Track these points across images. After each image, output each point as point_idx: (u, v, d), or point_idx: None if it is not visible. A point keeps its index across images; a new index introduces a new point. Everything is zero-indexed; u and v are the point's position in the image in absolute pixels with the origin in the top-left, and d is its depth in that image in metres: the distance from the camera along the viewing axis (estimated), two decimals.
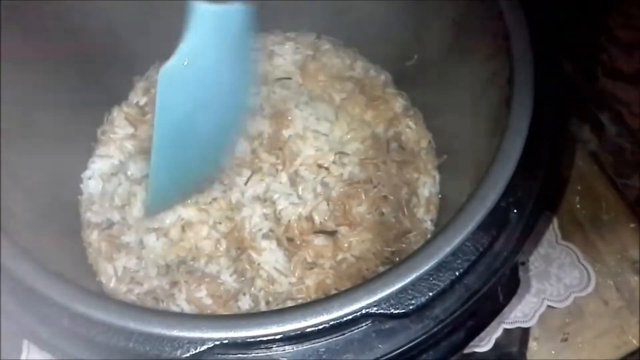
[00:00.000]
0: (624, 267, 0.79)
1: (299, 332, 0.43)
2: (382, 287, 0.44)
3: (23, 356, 0.75)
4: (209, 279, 0.65)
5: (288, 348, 0.44)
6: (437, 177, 0.77)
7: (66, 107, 0.68)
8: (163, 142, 0.57)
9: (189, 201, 0.70)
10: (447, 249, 0.44)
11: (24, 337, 0.48)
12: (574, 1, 0.77)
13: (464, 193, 0.63)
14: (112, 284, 0.68)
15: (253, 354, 0.44)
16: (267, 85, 0.80)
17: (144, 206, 0.69)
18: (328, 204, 0.71)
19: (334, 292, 0.66)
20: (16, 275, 0.47)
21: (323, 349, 0.45)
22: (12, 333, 0.75)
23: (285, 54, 0.84)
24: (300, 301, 0.65)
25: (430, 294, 0.44)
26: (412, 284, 0.44)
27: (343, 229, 0.69)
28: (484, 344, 0.75)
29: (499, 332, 0.76)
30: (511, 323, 0.76)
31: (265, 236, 0.68)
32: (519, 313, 0.76)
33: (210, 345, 0.43)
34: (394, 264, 0.46)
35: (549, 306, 0.77)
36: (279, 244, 0.68)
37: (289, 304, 0.65)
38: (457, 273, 0.45)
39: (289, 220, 0.69)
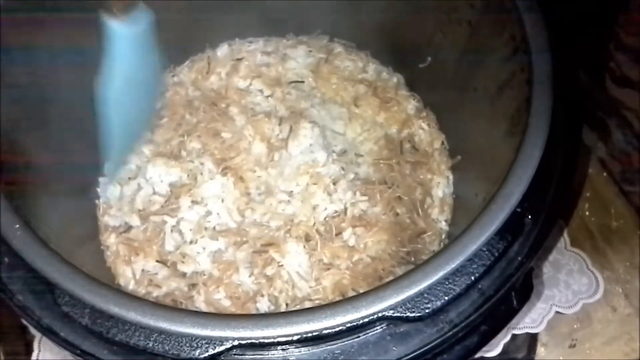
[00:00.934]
0: (632, 274, 0.79)
1: (315, 333, 0.44)
2: (399, 290, 0.44)
3: (34, 356, 0.75)
4: (228, 281, 0.65)
5: (304, 349, 0.45)
6: (451, 177, 0.78)
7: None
8: (110, 113, 0.66)
9: None
10: (466, 254, 0.45)
11: (42, 334, 0.47)
12: (583, 8, 0.77)
13: (478, 193, 0.66)
14: (130, 287, 0.68)
15: (270, 355, 0.44)
16: (280, 87, 0.82)
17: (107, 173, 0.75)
18: (345, 205, 0.72)
19: (351, 292, 0.67)
20: (36, 270, 0.48)
21: (338, 351, 0.45)
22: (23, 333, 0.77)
23: (298, 57, 0.85)
24: (317, 302, 0.66)
25: (446, 298, 0.45)
26: (429, 288, 0.44)
27: (359, 230, 0.70)
28: (493, 349, 0.75)
29: (507, 338, 0.76)
30: (519, 328, 0.76)
31: (291, 237, 0.69)
32: (527, 319, 0.77)
33: (229, 346, 0.43)
34: (412, 268, 0.46)
35: (557, 312, 0.77)
36: (305, 246, 0.69)
37: (307, 305, 0.66)
38: (472, 278, 0.46)
39: (314, 222, 0.71)
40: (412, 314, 0.44)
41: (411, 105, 0.83)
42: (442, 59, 0.77)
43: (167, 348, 0.44)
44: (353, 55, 0.86)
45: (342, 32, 0.88)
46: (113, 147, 0.69)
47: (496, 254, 0.47)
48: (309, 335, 0.44)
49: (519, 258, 0.48)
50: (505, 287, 0.47)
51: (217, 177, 0.73)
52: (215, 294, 0.65)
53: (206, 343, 0.43)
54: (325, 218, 0.71)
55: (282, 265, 0.68)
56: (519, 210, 0.48)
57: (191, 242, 0.70)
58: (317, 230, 0.70)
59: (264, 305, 0.66)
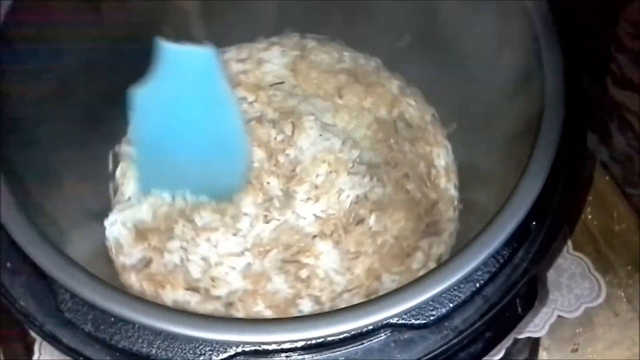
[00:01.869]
0: (635, 278, 0.79)
1: (320, 340, 0.44)
2: (404, 298, 0.44)
3: (35, 357, 0.75)
4: (263, 291, 0.65)
5: (308, 356, 0.45)
6: (449, 146, 0.80)
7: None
8: (142, 151, 0.68)
9: None
10: (472, 265, 0.45)
11: (44, 341, 0.47)
12: (584, 10, 0.77)
13: (480, 155, 0.71)
14: None
15: None
16: (263, 90, 0.81)
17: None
18: (365, 189, 0.73)
19: (385, 274, 0.68)
20: (39, 270, 0.48)
21: (342, 358, 0.45)
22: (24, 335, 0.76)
23: (274, 59, 0.85)
24: (355, 291, 0.67)
25: (451, 305, 0.45)
26: (434, 296, 0.44)
27: (376, 213, 0.71)
28: (494, 353, 0.75)
29: (509, 342, 0.76)
30: (522, 333, 0.76)
31: (319, 237, 0.70)
32: (529, 323, 0.77)
33: (232, 353, 0.43)
34: (426, 272, 0.47)
35: (559, 316, 0.77)
36: (333, 241, 0.70)
37: (346, 296, 0.67)
38: (477, 285, 0.46)
39: (330, 216, 0.71)
40: (417, 321, 0.44)
41: (394, 85, 0.84)
42: (424, 33, 0.78)
43: (170, 355, 0.43)
44: (327, 47, 0.86)
45: (312, 27, 0.87)
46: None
47: (501, 261, 0.46)
48: (313, 342, 0.44)
49: (524, 265, 0.47)
50: (510, 294, 0.46)
51: None
52: (254, 306, 0.65)
53: (210, 350, 0.43)
54: (350, 205, 0.72)
55: (315, 265, 0.69)
56: (524, 217, 0.48)
57: (217, 265, 0.69)
58: (342, 222, 0.71)
59: (306, 307, 0.66)
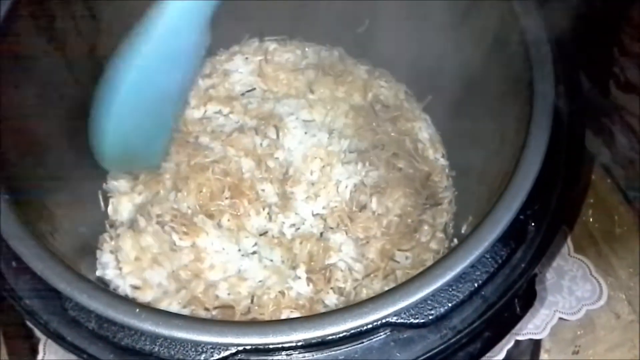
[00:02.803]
0: (636, 280, 0.79)
1: (320, 339, 0.44)
2: (403, 297, 0.45)
3: (39, 357, 0.76)
4: (285, 299, 0.66)
5: (308, 355, 0.45)
6: (428, 118, 0.83)
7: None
8: (127, 89, 0.63)
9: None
10: (469, 260, 0.45)
11: (49, 339, 0.48)
12: (588, 14, 0.77)
13: (460, 119, 0.73)
14: None
15: None
16: (237, 100, 0.82)
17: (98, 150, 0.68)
18: (361, 176, 0.75)
19: (397, 253, 0.71)
20: (43, 277, 0.48)
21: (342, 357, 0.46)
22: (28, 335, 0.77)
23: (239, 68, 0.86)
24: (373, 275, 0.69)
25: (450, 304, 0.45)
26: (433, 294, 0.45)
27: (375, 198, 0.73)
28: (496, 354, 0.76)
29: (510, 343, 0.76)
30: (523, 334, 0.76)
31: (330, 232, 0.71)
32: (531, 325, 0.77)
33: (233, 351, 0.44)
34: (419, 272, 0.47)
35: (560, 318, 0.77)
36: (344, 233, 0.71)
37: (365, 282, 0.68)
38: (476, 284, 0.46)
39: (334, 209, 0.73)
40: (416, 320, 0.45)
41: (362, 70, 0.86)
42: (384, 15, 0.79)
43: (172, 353, 0.44)
44: (288, 47, 0.88)
45: (270, 29, 0.88)
46: (114, 146, 0.66)
47: (499, 261, 0.47)
48: (314, 341, 0.44)
49: (522, 265, 0.48)
50: (509, 294, 0.47)
51: (225, 214, 0.72)
52: (281, 316, 0.65)
53: (211, 348, 0.44)
54: (350, 194, 0.73)
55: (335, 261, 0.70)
56: (522, 217, 0.48)
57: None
58: (345, 211, 0.72)
59: (332, 300, 0.67)
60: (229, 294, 0.67)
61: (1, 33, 0.59)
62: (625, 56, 0.78)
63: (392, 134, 0.79)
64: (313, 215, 0.73)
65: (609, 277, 0.80)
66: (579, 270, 0.80)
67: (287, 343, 0.44)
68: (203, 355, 0.44)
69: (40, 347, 0.76)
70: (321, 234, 0.72)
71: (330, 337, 0.45)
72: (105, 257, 0.71)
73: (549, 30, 0.60)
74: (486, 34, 0.65)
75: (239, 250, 0.71)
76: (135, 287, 0.68)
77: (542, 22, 0.60)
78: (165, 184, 0.74)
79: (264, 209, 0.72)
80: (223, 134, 0.78)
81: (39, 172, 0.62)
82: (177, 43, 0.63)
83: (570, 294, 0.79)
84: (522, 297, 0.50)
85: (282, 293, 0.66)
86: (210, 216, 0.72)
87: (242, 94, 0.83)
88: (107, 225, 0.75)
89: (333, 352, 0.46)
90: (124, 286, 0.69)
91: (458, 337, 0.46)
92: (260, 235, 0.71)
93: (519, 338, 0.76)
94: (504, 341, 0.76)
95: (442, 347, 0.46)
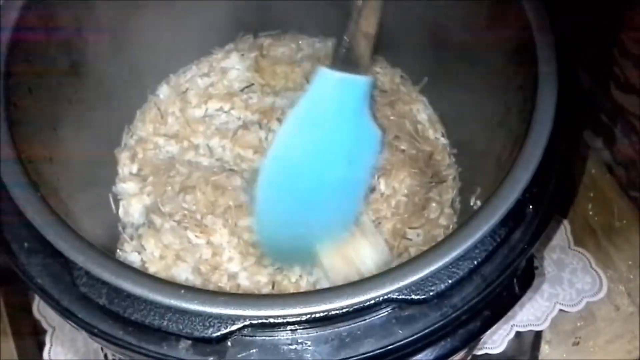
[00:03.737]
0: (635, 273, 0.80)
1: (323, 314, 0.45)
2: (405, 274, 0.46)
3: (46, 350, 0.77)
4: (304, 282, 0.69)
5: (312, 331, 0.46)
6: (425, 99, 0.86)
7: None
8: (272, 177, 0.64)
9: None
10: (470, 242, 0.46)
11: (61, 316, 0.49)
12: (588, 15, 0.79)
13: (458, 99, 0.75)
14: None
15: (279, 335, 0.46)
16: (237, 96, 0.83)
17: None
18: None
19: (409, 232, 0.72)
20: (56, 251, 0.49)
21: (345, 333, 0.47)
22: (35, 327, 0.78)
23: (236, 65, 0.87)
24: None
25: (450, 281, 0.46)
26: (433, 272, 0.46)
27: (383, 180, 0.75)
28: (497, 345, 0.77)
29: (511, 335, 0.77)
30: (524, 326, 0.77)
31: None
32: (532, 316, 0.78)
33: (240, 325, 0.45)
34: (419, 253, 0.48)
35: (561, 310, 0.78)
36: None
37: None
38: (475, 262, 0.47)
39: None
40: (417, 297, 0.46)
41: None
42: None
43: (180, 327, 0.45)
44: (283, 41, 0.90)
45: (263, 24, 0.90)
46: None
47: (498, 240, 0.48)
48: (317, 316, 0.45)
49: (521, 245, 0.49)
50: (507, 272, 0.48)
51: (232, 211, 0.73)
52: None
53: (218, 322, 0.45)
54: None
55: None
56: (521, 199, 0.49)
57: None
58: None
59: None
60: (249, 283, 0.68)
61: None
62: (625, 56, 0.80)
63: (392, 118, 0.81)
64: None
65: (609, 270, 0.81)
66: (579, 263, 0.81)
67: (291, 317, 0.45)
68: (210, 329, 0.45)
69: (47, 339, 0.77)
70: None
71: (333, 313, 0.45)
72: (131, 257, 0.73)
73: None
74: (482, 9, 0.66)
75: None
76: None
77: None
78: (174, 187, 0.76)
79: None
80: (229, 131, 0.80)
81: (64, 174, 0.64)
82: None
83: (570, 286, 0.80)
84: (520, 277, 0.51)
85: (301, 277, 0.68)
86: (219, 216, 0.73)
87: (242, 90, 0.84)
88: (120, 227, 0.77)
89: (337, 329, 0.47)
90: None
91: (458, 313, 0.47)
92: None
93: (520, 330, 0.77)
94: (504, 332, 0.77)
95: (442, 323, 0.47)
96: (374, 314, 0.47)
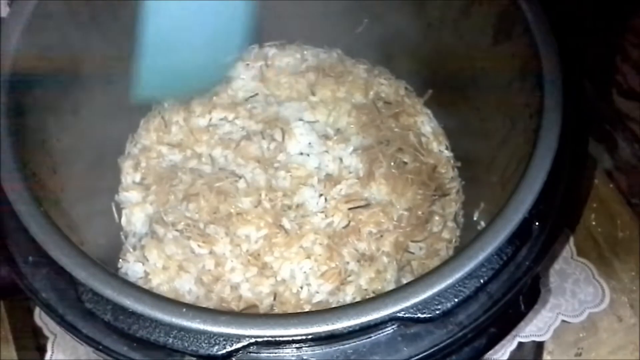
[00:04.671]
0: (638, 284, 0.80)
1: (329, 333, 0.45)
2: (411, 293, 0.46)
3: (46, 358, 0.77)
4: (305, 294, 0.69)
5: (317, 349, 0.46)
6: (429, 112, 0.85)
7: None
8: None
9: None
10: (476, 261, 0.46)
11: (65, 331, 0.49)
12: (590, 22, 0.79)
13: (462, 113, 0.75)
14: None
15: (284, 353, 0.46)
16: (241, 106, 0.83)
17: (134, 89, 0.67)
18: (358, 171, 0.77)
19: (411, 245, 0.72)
20: (60, 266, 0.49)
21: (351, 351, 0.47)
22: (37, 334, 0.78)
23: (240, 75, 0.87)
24: (388, 262, 0.71)
25: (456, 300, 0.46)
26: (440, 291, 0.46)
27: (384, 189, 0.75)
28: (499, 356, 0.76)
29: (513, 345, 0.77)
30: (526, 337, 0.77)
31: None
32: (534, 327, 0.78)
33: (245, 343, 0.45)
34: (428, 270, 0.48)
35: (563, 321, 0.78)
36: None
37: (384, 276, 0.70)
38: (481, 281, 0.47)
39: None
40: (423, 315, 0.46)
41: (361, 69, 0.88)
42: (382, 14, 0.81)
43: (186, 344, 0.45)
44: (288, 51, 0.89)
45: (268, 35, 0.89)
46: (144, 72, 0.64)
47: (504, 259, 0.48)
48: (323, 334, 0.45)
49: (527, 263, 0.49)
50: (513, 290, 0.48)
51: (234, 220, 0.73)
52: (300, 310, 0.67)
53: (224, 340, 0.45)
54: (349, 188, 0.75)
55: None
56: (527, 216, 0.49)
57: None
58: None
59: (348, 296, 0.69)
60: (251, 294, 0.68)
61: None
62: (626, 63, 0.80)
63: (396, 130, 0.81)
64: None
65: (612, 281, 0.81)
66: (582, 274, 0.81)
67: (297, 336, 0.45)
68: (216, 347, 0.45)
69: (49, 346, 0.77)
70: (344, 227, 0.73)
71: (339, 331, 0.45)
72: (135, 267, 0.72)
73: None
74: (487, 26, 0.66)
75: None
76: None
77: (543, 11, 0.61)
78: (177, 195, 0.75)
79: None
80: (232, 142, 0.80)
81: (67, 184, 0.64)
82: None
83: (573, 297, 0.80)
84: (526, 295, 0.51)
85: (302, 288, 0.68)
86: (221, 225, 0.73)
87: (246, 100, 0.84)
88: (123, 237, 0.77)
89: (342, 347, 0.47)
90: None
91: (464, 332, 0.47)
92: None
93: (522, 340, 0.77)
94: (507, 343, 0.77)
95: (448, 341, 0.47)
96: (380, 332, 0.47)
